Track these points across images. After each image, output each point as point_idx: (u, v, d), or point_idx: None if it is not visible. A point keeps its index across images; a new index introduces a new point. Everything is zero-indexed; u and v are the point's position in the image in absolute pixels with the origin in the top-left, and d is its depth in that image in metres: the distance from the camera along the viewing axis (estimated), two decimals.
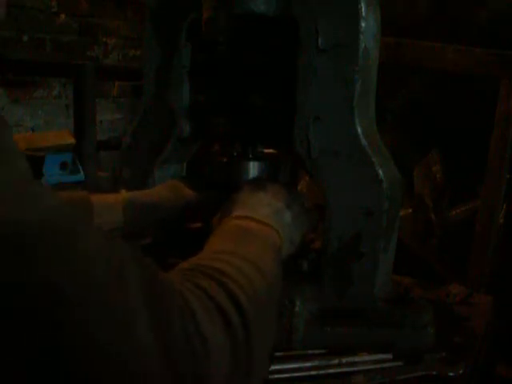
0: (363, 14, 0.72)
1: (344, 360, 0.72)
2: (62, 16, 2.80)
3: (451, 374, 0.71)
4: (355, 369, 0.71)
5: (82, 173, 1.64)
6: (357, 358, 0.72)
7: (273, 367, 0.70)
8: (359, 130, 0.74)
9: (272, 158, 0.90)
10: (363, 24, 0.72)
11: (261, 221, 0.65)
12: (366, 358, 0.73)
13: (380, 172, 0.73)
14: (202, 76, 0.89)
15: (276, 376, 0.69)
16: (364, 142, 0.74)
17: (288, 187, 0.79)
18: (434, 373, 0.71)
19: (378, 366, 0.72)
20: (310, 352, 0.74)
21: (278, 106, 0.82)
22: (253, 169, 0.87)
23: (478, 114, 1.75)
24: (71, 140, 1.79)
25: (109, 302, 0.37)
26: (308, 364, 0.71)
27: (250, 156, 0.89)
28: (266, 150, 0.92)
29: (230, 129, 0.88)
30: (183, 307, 0.41)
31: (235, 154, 0.91)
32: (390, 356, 0.73)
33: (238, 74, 0.85)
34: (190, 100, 0.90)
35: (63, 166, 1.61)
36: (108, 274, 0.38)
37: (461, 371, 0.72)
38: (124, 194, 0.83)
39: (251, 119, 0.86)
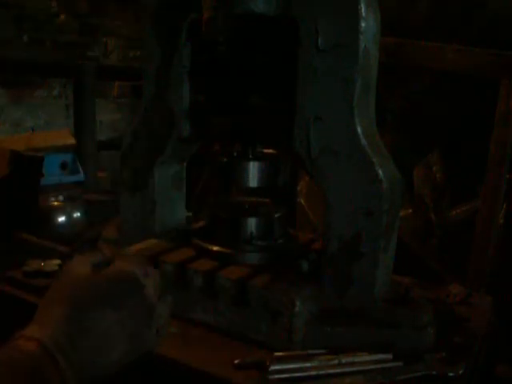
0: (363, 14, 0.72)
1: (344, 360, 0.72)
2: (62, 16, 2.80)
3: (451, 374, 0.71)
4: (355, 369, 0.71)
5: (81, 173, 1.64)
6: (357, 358, 0.72)
7: (273, 367, 0.70)
8: (359, 130, 0.74)
9: (272, 158, 0.90)
10: (363, 24, 0.72)
11: (44, 345, 0.50)
12: (366, 357, 0.73)
13: (380, 172, 0.73)
14: (202, 76, 0.89)
15: (276, 376, 0.69)
16: (364, 141, 0.74)
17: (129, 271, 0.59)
18: (434, 373, 0.71)
19: (378, 366, 0.72)
20: (310, 352, 0.74)
21: (277, 106, 0.82)
22: (253, 169, 0.87)
23: (477, 114, 1.75)
24: (71, 140, 1.79)
25: None
26: (308, 364, 0.71)
27: (250, 156, 0.89)
28: (266, 150, 0.92)
29: (229, 129, 0.88)
30: None
31: (235, 153, 0.91)
32: (390, 356, 0.73)
33: (237, 74, 0.85)
34: (190, 100, 0.90)
35: (63, 165, 1.61)
36: None
37: (461, 371, 0.72)
38: None
39: (251, 119, 0.86)
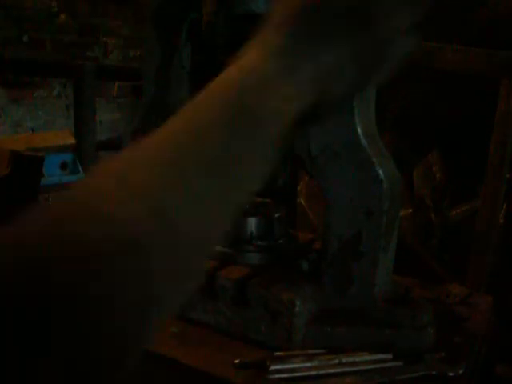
0: None
1: (344, 360, 0.72)
2: (62, 16, 2.80)
3: (451, 374, 0.71)
4: (355, 369, 0.71)
5: (81, 173, 1.64)
6: (357, 358, 0.72)
7: (273, 367, 0.70)
8: (359, 130, 0.74)
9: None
10: None
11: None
12: (366, 357, 0.73)
13: (380, 172, 0.73)
14: (202, 76, 0.89)
15: (276, 376, 0.69)
16: (364, 142, 0.74)
17: None
18: (434, 373, 0.71)
19: (377, 365, 0.72)
20: (310, 352, 0.74)
21: None
22: None
23: (478, 114, 1.75)
24: (71, 140, 1.79)
25: None
26: (308, 364, 0.71)
27: None
28: None
29: None
30: None
31: None
32: (390, 356, 0.73)
33: None
34: None
35: (63, 165, 1.61)
36: None
37: (461, 371, 0.72)
38: None
39: None
